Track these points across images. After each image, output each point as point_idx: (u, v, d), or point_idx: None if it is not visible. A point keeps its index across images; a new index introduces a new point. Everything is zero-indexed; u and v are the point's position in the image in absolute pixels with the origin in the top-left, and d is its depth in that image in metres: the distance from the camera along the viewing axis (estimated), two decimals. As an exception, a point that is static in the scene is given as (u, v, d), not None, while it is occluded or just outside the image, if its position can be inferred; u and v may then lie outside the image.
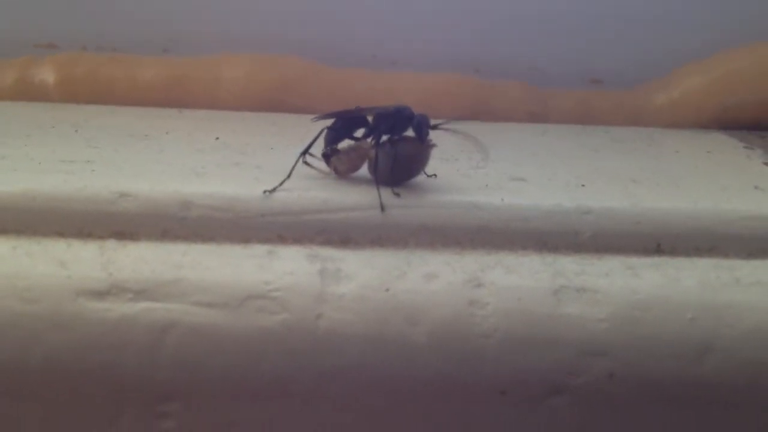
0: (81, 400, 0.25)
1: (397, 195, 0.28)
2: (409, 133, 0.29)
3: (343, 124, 0.30)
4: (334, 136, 0.30)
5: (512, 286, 0.26)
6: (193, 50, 0.43)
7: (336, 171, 0.29)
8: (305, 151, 0.29)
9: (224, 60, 0.42)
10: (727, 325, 0.26)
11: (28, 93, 0.41)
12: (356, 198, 0.28)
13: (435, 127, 0.29)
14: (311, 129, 0.29)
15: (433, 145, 0.29)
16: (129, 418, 0.25)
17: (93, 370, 0.25)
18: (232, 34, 0.44)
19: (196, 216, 0.27)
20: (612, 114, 0.43)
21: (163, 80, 0.41)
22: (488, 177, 0.31)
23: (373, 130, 0.30)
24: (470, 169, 0.32)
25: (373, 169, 0.29)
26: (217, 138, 0.34)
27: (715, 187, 0.31)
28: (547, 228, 0.28)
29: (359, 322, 0.26)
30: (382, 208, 0.27)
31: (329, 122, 0.30)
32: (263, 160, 0.31)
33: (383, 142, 0.29)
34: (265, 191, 0.27)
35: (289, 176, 0.28)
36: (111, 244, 0.26)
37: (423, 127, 0.29)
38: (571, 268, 0.27)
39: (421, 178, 0.29)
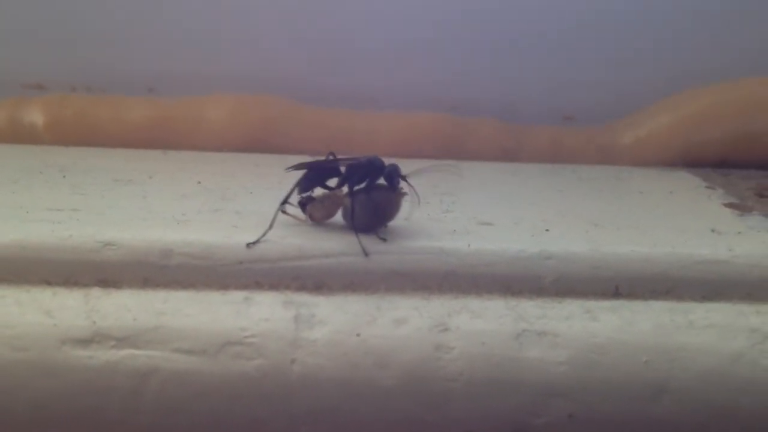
0: None
1: (384, 240, 0.29)
2: (381, 181, 0.30)
3: (318, 173, 0.31)
4: (308, 184, 0.31)
5: (477, 331, 0.27)
6: (177, 89, 0.45)
7: (311, 218, 0.31)
8: (284, 202, 0.30)
9: (207, 100, 0.43)
10: (681, 368, 0.27)
11: (17, 134, 0.42)
12: (330, 245, 0.29)
13: (404, 177, 0.30)
14: (287, 171, 0.31)
15: (405, 194, 0.30)
16: None
17: (78, 415, 0.26)
18: (215, 73, 0.45)
19: (177, 264, 0.28)
20: (582, 151, 0.45)
21: (149, 121, 0.42)
22: (457, 221, 0.32)
23: (346, 179, 0.31)
24: (441, 213, 0.33)
25: (348, 216, 0.30)
26: (199, 182, 0.35)
27: (674, 229, 0.32)
28: (512, 273, 0.29)
29: (331, 366, 0.27)
30: (365, 253, 0.28)
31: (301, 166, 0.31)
32: (242, 206, 0.32)
33: (357, 191, 0.30)
34: (248, 244, 0.28)
35: (270, 227, 0.29)
36: (95, 292, 0.27)
37: (394, 176, 0.30)
38: (533, 312, 0.28)
39: (393, 223, 0.31)
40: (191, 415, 0.26)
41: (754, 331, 0.28)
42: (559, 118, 0.47)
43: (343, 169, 0.31)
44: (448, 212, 0.33)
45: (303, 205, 0.31)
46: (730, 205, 0.36)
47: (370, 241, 0.29)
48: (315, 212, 0.30)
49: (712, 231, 0.32)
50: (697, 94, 0.43)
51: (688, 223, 0.33)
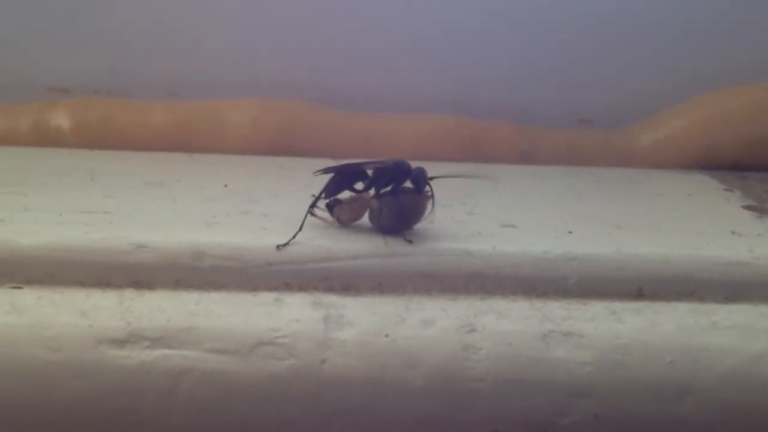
0: None
1: (410, 242, 0.30)
2: (408, 184, 0.31)
3: (345, 176, 0.31)
4: (336, 187, 0.31)
5: (503, 331, 0.28)
6: (198, 92, 0.45)
7: (339, 220, 0.31)
8: (313, 204, 0.31)
9: (230, 104, 0.44)
10: (704, 368, 0.28)
11: (43, 138, 0.42)
12: (357, 247, 0.29)
13: (431, 179, 0.31)
14: (315, 174, 0.31)
15: (430, 197, 0.31)
16: None
17: (113, 414, 0.26)
18: (236, 76, 0.46)
19: (208, 266, 0.28)
20: (599, 154, 0.45)
21: (173, 125, 0.43)
22: (481, 224, 0.32)
23: (373, 182, 0.31)
24: (464, 215, 0.33)
25: (375, 219, 0.30)
26: (226, 185, 0.36)
27: (694, 231, 0.33)
28: (536, 274, 0.29)
29: (361, 366, 0.27)
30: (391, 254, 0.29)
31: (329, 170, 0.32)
32: (269, 208, 0.33)
33: (384, 194, 0.31)
34: (278, 246, 0.29)
35: (300, 229, 0.30)
36: (129, 293, 0.28)
37: (420, 179, 0.30)
38: (559, 313, 0.28)
39: (418, 225, 0.31)
40: (224, 414, 0.27)
41: None
42: (576, 121, 0.47)
43: (370, 172, 0.31)
44: (472, 214, 0.34)
45: (331, 207, 0.31)
46: (748, 207, 0.36)
47: (396, 243, 0.29)
48: (342, 214, 0.31)
49: (732, 233, 0.33)
50: (712, 98, 0.44)
51: (708, 226, 0.34)
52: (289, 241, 0.29)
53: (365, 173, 0.31)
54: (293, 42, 0.46)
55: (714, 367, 0.28)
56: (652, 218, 0.35)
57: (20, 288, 0.28)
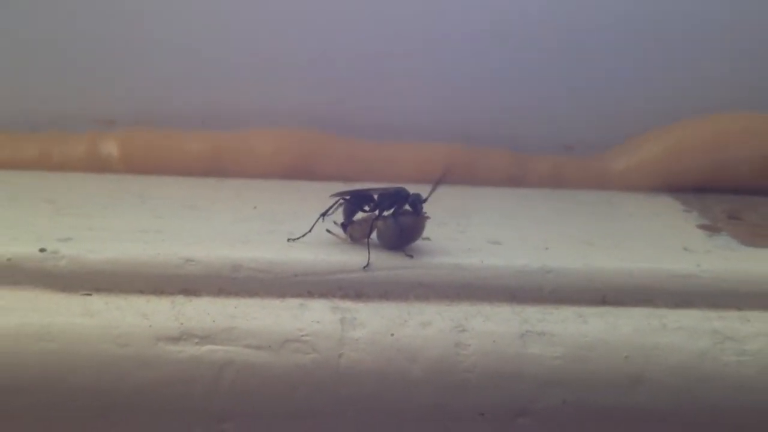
0: (161, 421, 0.31)
1: (411, 257, 0.34)
2: (407, 207, 0.35)
3: (356, 200, 0.36)
4: (350, 210, 0.36)
5: (489, 331, 0.31)
6: (228, 123, 0.50)
7: (351, 237, 0.36)
8: (324, 214, 0.35)
9: (254, 134, 0.48)
10: (655, 363, 0.31)
11: (95, 164, 0.46)
12: (367, 261, 0.34)
13: (425, 200, 0.35)
14: (330, 197, 0.36)
15: (428, 218, 0.35)
16: None
17: (170, 398, 0.30)
18: (257, 108, 0.50)
19: (244, 276, 0.32)
20: (580, 177, 0.48)
21: (206, 152, 0.47)
22: (471, 241, 0.36)
23: (378, 206, 0.36)
24: (457, 233, 0.38)
25: (381, 237, 0.35)
26: (255, 207, 0.40)
27: (654, 247, 0.37)
28: (517, 284, 0.33)
29: (371, 360, 0.31)
30: (367, 264, 0.33)
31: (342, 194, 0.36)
32: (293, 227, 0.36)
33: (388, 216, 0.35)
34: (288, 239, 0.34)
35: (310, 230, 0.35)
36: (180, 299, 0.32)
37: (417, 203, 0.35)
38: (535, 317, 0.32)
39: (418, 242, 0.36)
40: (259, 399, 0.31)
41: (717, 332, 0.32)
42: (561, 147, 0.52)
43: (375, 196, 0.36)
44: (463, 233, 0.38)
45: (345, 226, 0.36)
46: (702, 227, 0.40)
47: (399, 258, 0.34)
48: (354, 232, 0.36)
49: (685, 249, 0.36)
50: (677, 128, 0.47)
51: (665, 242, 0.37)
52: (299, 238, 0.34)
53: (372, 198, 0.36)
54: (309, 79, 0.50)
55: (663, 361, 0.31)
56: (618, 236, 0.38)
57: (90, 295, 0.32)
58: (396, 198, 0.35)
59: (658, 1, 0.50)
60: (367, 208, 0.36)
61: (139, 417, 0.31)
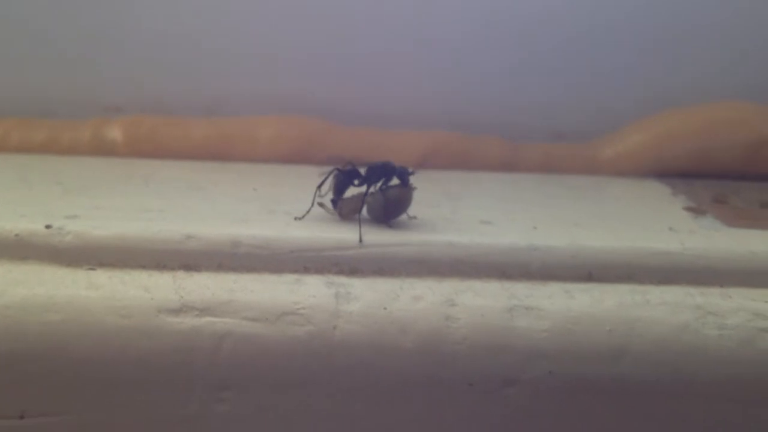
0: (162, 389, 0.31)
1: (390, 227, 0.35)
2: (395, 181, 0.36)
3: (346, 176, 0.36)
4: (339, 186, 0.36)
5: (478, 306, 0.32)
6: (231, 110, 0.50)
7: (341, 214, 0.36)
8: (320, 186, 0.36)
9: (257, 120, 0.49)
10: (638, 335, 0.32)
11: (100, 148, 0.47)
12: (363, 238, 0.34)
13: (413, 173, 0.36)
14: (320, 175, 0.37)
15: (414, 188, 0.35)
16: (196, 402, 0.31)
17: (171, 367, 0.31)
18: (261, 96, 0.51)
19: (243, 252, 0.33)
20: (570, 164, 0.49)
21: (209, 138, 0.48)
22: (462, 220, 0.37)
23: (366, 180, 0.36)
24: (450, 214, 0.38)
25: (371, 210, 0.36)
26: (255, 189, 0.41)
27: (639, 228, 0.37)
28: (505, 261, 0.34)
29: (364, 332, 0.31)
30: (360, 240, 0.34)
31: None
32: (291, 208, 0.37)
33: (376, 191, 0.36)
34: (295, 218, 0.35)
35: (312, 205, 0.36)
36: (181, 274, 0.32)
37: (405, 174, 0.36)
38: (522, 292, 0.33)
39: (412, 222, 0.36)
40: (257, 369, 0.31)
41: (698, 308, 0.32)
42: (552, 135, 0.52)
43: (363, 172, 0.36)
44: (456, 213, 0.38)
45: (335, 203, 0.36)
46: (688, 209, 0.41)
47: (391, 234, 0.34)
48: (344, 208, 0.36)
49: (670, 229, 0.37)
50: (666, 116, 0.48)
51: (651, 223, 0.38)
52: (304, 216, 0.35)
53: (359, 173, 0.36)
54: (310, 69, 0.51)
55: (645, 334, 0.32)
56: (605, 217, 0.39)
57: (94, 269, 0.32)
58: (383, 171, 0.36)
59: None
60: (356, 182, 0.36)
61: (141, 385, 0.32)
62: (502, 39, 0.52)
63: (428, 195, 0.36)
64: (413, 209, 0.36)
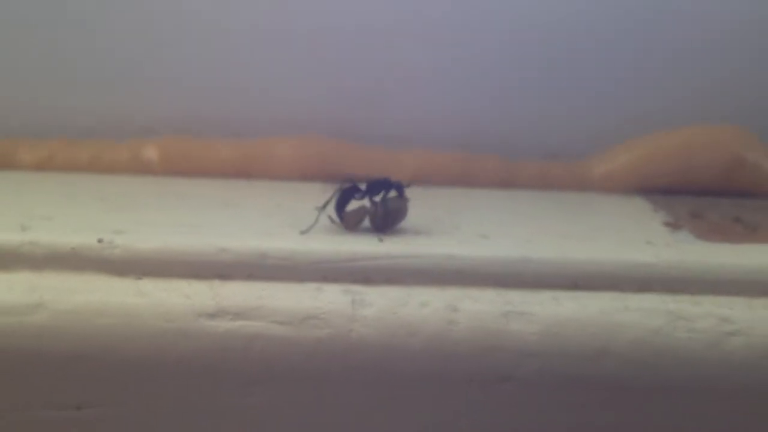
0: (200, 383, 0.34)
1: (381, 240, 0.38)
2: (392, 194, 0.39)
3: (348, 192, 0.40)
4: (342, 201, 0.40)
5: (476, 311, 0.34)
6: (255, 131, 0.54)
7: (347, 226, 0.39)
8: (323, 207, 0.39)
9: (278, 141, 0.51)
10: (616, 338, 0.34)
11: (137, 167, 0.50)
12: (375, 250, 0.36)
13: (408, 186, 0.39)
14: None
15: (409, 200, 0.39)
16: (229, 395, 0.34)
17: (208, 366, 0.34)
18: (280, 118, 0.54)
19: (270, 264, 0.35)
20: (564, 181, 0.52)
21: (236, 157, 0.51)
22: (463, 235, 0.39)
23: (367, 193, 0.39)
24: (451, 228, 0.41)
25: (372, 221, 0.39)
26: (278, 205, 0.44)
27: (621, 241, 0.39)
28: (501, 271, 0.36)
29: (377, 335, 0.34)
30: (380, 239, 0.38)
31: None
32: (310, 222, 0.40)
33: (377, 201, 0.39)
34: (301, 232, 0.38)
35: (315, 223, 0.38)
36: (216, 282, 0.35)
37: (401, 188, 0.39)
38: (516, 299, 0.35)
39: (417, 236, 0.39)
40: (283, 366, 0.34)
41: (671, 313, 0.35)
42: (546, 154, 0.55)
43: (363, 187, 0.40)
44: (456, 228, 0.40)
45: (340, 216, 0.40)
46: (666, 224, 0.43)
47: (398, 246, 0.37)
48: (350, 220, 0.39)
49: (648, 242, 0.39)
50: (650, 138, 0.51)
51: (632, 236, 0.40)
52: (308, 230, 0.38)
53: (360, 188, 0.40)
54: (326, 94, 0.54)
55: (624, 337, 0.34)
56: (592, 231, 0.41)
57: (141, 279, 0.35)
58: (382, 185, 0.39)
59: (644, 16, 0.54)
60: (357, 196, 0.40)
61: (182, 380, 0.35)
62: (504, 68, 0.55)
63: (431, 211, 0.39)
64: (415, 222, 0.39)
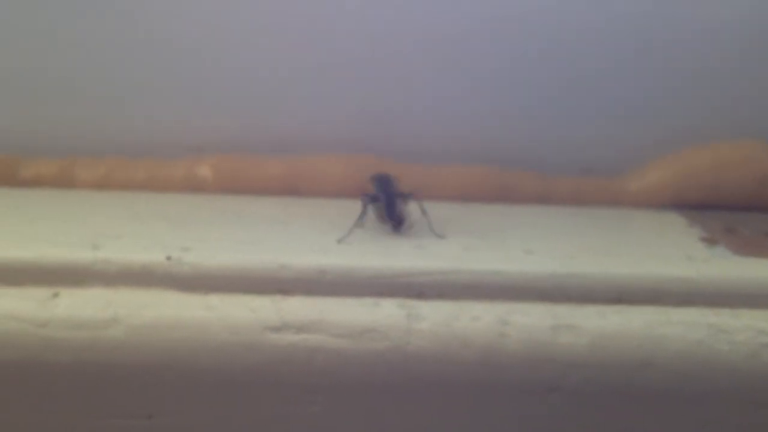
0: (265, 393, 0.36)
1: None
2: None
3: (391, 197, 0.43)
4: (391, 205, 0.43)
5: (526, 324, 0.36)
6: (301, 149, 0.55)
7: (406, 227, 0.42)
8: (359, 220, 0.42)
9: (325, 159, 0.53)
10: (660, 349, 0.35)
11: (192, 185, 0.52)
12: (426, 266, 0.38)
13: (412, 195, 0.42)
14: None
15: (411, 195, 0.42)
16: (293, 404, 0.36)
17: (273, 376, 0.35)
18: (318, 136, 0.55)
19: (329, 280, 0.37)
20: (598, 197, 0.52)
21: (285, 175, 0.52)
22: (509, 251, 0.41)
23: (382, 191, 0.43)
24: (499, 244, 0.43)
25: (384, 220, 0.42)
26: (331, 222, 0.46)
27: (661, 256, 0.41)
28: (549, 287, 0.37)
29: (432, 347, 0.35)
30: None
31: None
32: (362, 238, 0.41)
33: (389, 202, 0.42)
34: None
35: (349, 232, 0.41)
36: (278, 297, 0.37)
37: (408, 196, 0.42)
38: (564, 313, 0.36)
39: (463, 251, 0.41)
40: (343, 377, 0.36)
41: (712, 326, 0.36)
42: (581, 170, 0.56)
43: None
44: (502, 244, 0.42)
45: (398, 220, 0.42)
46: (703, 239, 0.44)
47: (451, 264, 0.39)
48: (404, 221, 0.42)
49: (687, 258, 0.41)
50: (683, 155, 0.51)
51: (671, 252, 0.42)
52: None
53: (377, 195, 0.43)
54: (366, 114, 0.56)
55: (667, 349, 0.35)
56: (632, 247, 0.43)
57: (208, 294, 0.37)
58: (386, 180, 0.44)
59: (673, 31, 0.54)
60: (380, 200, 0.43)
61: (249, 390, 0.37)
62: (535, 85, 0.56)
63: (475, 227, 0.40)
64: (462, 238, 0.41)
